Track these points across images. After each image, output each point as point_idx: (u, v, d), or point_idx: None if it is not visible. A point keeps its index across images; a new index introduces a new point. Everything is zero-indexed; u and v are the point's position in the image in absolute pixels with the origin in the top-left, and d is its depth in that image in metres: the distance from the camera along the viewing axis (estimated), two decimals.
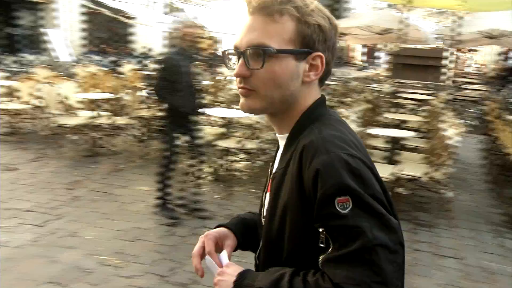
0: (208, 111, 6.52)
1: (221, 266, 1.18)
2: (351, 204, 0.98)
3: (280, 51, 1.09)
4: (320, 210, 1.01)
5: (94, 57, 18.01)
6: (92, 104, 7.77)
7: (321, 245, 1.02)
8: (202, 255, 1.24)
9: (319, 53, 1.12)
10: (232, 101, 8.50)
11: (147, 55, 20.10)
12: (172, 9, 22.29)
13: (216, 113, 6.46)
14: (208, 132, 6.32)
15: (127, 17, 18.78)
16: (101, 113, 7.46)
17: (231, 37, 25.39)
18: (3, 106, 7.99)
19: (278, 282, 1.02)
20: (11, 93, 8.52)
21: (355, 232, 0.97)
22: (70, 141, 7.29)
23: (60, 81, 8.05)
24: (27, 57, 16.84)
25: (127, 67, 13.97)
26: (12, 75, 11.11)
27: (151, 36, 21.72)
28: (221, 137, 6.10)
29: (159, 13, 21.60)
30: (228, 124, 6.36)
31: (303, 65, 1.12)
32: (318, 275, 1.00)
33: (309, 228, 1.04)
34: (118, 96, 7.88)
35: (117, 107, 7.74)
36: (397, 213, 1.07)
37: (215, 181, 6.03)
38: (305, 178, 1.04)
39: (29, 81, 8.27)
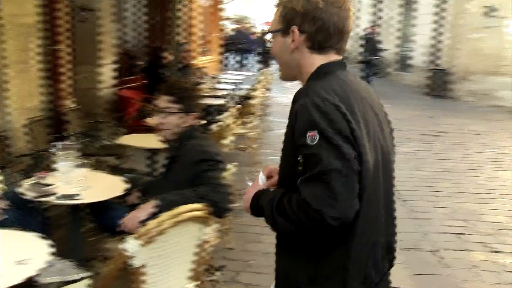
0: None
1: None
2: (317, 138, 1.28)
3: (270, 31, 1.55)
4: (298, 142, 1.33)
5: None
6: None
7: (300, 170, 1.33)
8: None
9: (293, 27, 1.45)
10: None
11: None
12: None
13: None
14: None
15: None
16: None
17: None
18: None
19: (273, 199, 1.40)
20: None
21: (317, 159, 1.27)
22: None
23: None
24: None
25: None
26: None
27: None
28: None
29: None
30: None
31: (288, 39, 1.48)
32: (296, 193, 1.33)
33: (296, 158, 1.35)
34: None
35: None
36: (367, 147, 1.33)
37: None
38: (292, 118, 1.37)
39: None
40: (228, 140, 3.85)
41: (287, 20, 1.46)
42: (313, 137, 1.28)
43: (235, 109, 5.23)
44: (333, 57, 1.48)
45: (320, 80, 1.41)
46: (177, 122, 2.81)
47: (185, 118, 2.82)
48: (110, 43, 6.83)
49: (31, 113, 4.57)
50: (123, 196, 3.02)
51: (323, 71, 1.45)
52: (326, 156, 1.26)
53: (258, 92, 7.02)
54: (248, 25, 26.89)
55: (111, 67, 6.93)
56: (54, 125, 5.12)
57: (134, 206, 2.90)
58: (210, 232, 2.32)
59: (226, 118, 4.83)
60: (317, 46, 1.46)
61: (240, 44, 18.77)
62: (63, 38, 5.12)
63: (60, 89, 5.14)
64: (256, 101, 6.57)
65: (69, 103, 5.47)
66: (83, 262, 2.98)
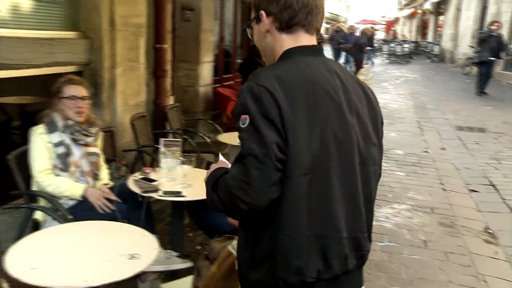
0: None
1: None
2: (247, 121, 1.32)
3: (247, 24, 1.62)
4: (236, 125, 1.37)
5: None
6: None
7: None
8: None
9: (261, 11, 1.50)
10: None
11: None
12: None
13: None
14: None
15: None
16: None
17: None
18: None
19: (215, 176, 1.48)
20: None
21: (243, 142, 1.33)
22: None
23: None
24: None
25: None
26: None
27: None
28: None
29: None
30: None
31: (261, 25, 1.52)
32: None
33: None
34: None
35: None
36: (302, 135, 1.32)
37: None
38: None
39: None
40: None
41: (256, 7, 1.53)
42: (244, 120, 1.33)
43: None
44: (303, 37, 1.49)
45: (273, 66, 1.47)
46: None
47: None
48: (210, 41, 6.98)
49: (136, 110, 4.76)
50: None
51: (284, 57, 1.48)
52: (248, 139, 1.31)
53: None
54: (346, 24, 26.34)
55: (210, 65, 7.08)
56: (155, 121, 5.32)
57: None
58: None
59: None
60: (285, 24, 1.48)
61: (340, 44, 18.21)
62: (167, 37, 5.29)
63: (163, 86, 5.31)
64: None
65: (170, 100, 5.65)
66: (182, 256, 3.04)
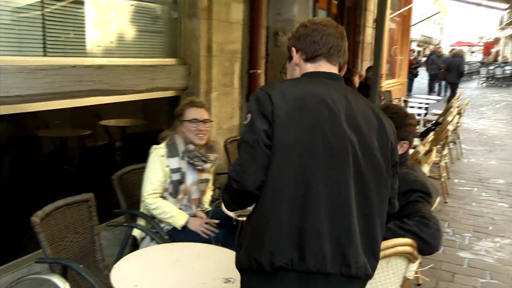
0: None
1: None
2: (249, 119, 1.54)
3: (283, 66, 1.88)
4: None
5: None
6: None
7: None
8: None
9: (292, 48, 1.75)
10: None
11: None
12: None
13: None
14: None
15: None
16: None
17: None
18: None
19: None
20: None
21: (242, 135, 1.56)
22: None
23: None
24: None
25: None
26: None
27: None
28: None
29: None
30: None
31: (292, 60, 1.75)
32: None
33: None
34: None
35: None
36: (290, 130, 1.51)
37: None
38: None
39: None
40: (426, 168, 3.59)
41: (289, 47, 1.77)
42: (247, 118, 1.56)
43: (431, 136, 4.92)
44: (324, 65, 1.71)
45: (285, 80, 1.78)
46: None
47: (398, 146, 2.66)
48: None
49: (229, 134, 4.87)
50: None
51: (301, 76, 1.73)
52: (245, 131, 1.54)
53: (451, 118, 6.53)
54: (439, 46, 25.33)
55: None
56: None
57: None
58: (414, 269, 2.13)
59: (419, 145, 4.56)
60: (310, 56, 1.71)
61: (441, 69, 17.41)
62: (261, 62, 5.39)
63: None
64: (449, 127, 6.11)
65: None
66: None
